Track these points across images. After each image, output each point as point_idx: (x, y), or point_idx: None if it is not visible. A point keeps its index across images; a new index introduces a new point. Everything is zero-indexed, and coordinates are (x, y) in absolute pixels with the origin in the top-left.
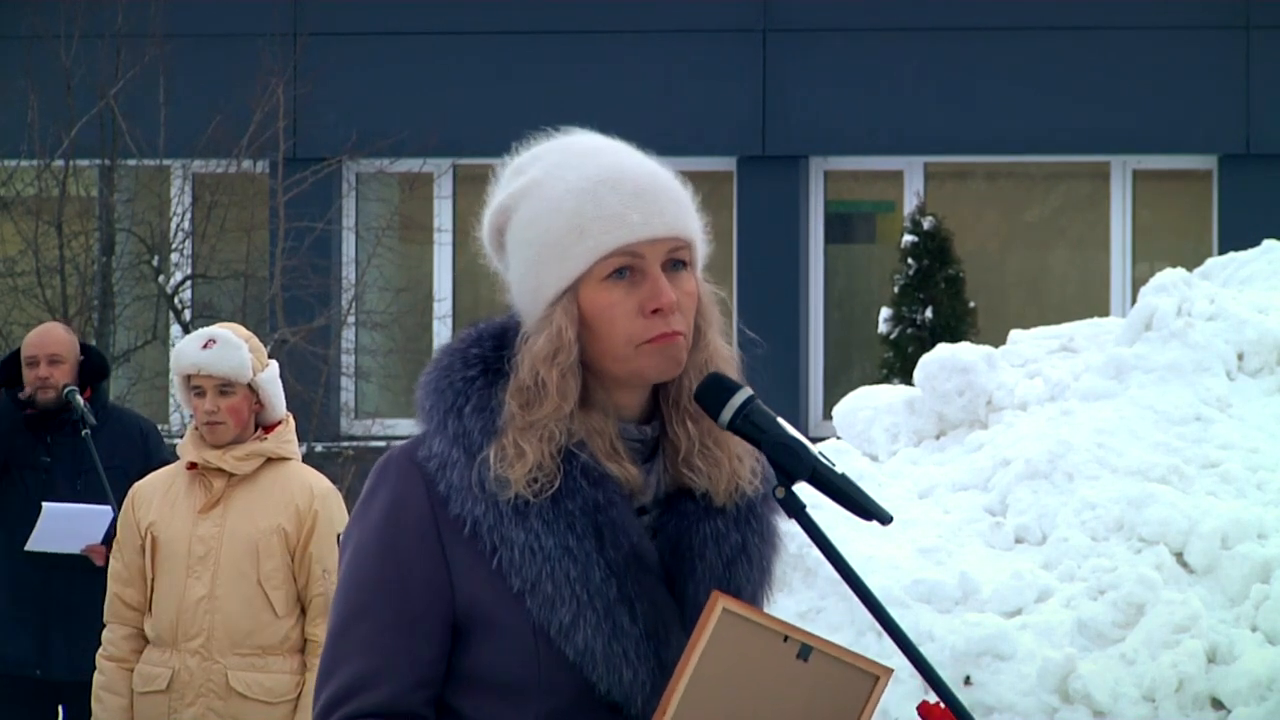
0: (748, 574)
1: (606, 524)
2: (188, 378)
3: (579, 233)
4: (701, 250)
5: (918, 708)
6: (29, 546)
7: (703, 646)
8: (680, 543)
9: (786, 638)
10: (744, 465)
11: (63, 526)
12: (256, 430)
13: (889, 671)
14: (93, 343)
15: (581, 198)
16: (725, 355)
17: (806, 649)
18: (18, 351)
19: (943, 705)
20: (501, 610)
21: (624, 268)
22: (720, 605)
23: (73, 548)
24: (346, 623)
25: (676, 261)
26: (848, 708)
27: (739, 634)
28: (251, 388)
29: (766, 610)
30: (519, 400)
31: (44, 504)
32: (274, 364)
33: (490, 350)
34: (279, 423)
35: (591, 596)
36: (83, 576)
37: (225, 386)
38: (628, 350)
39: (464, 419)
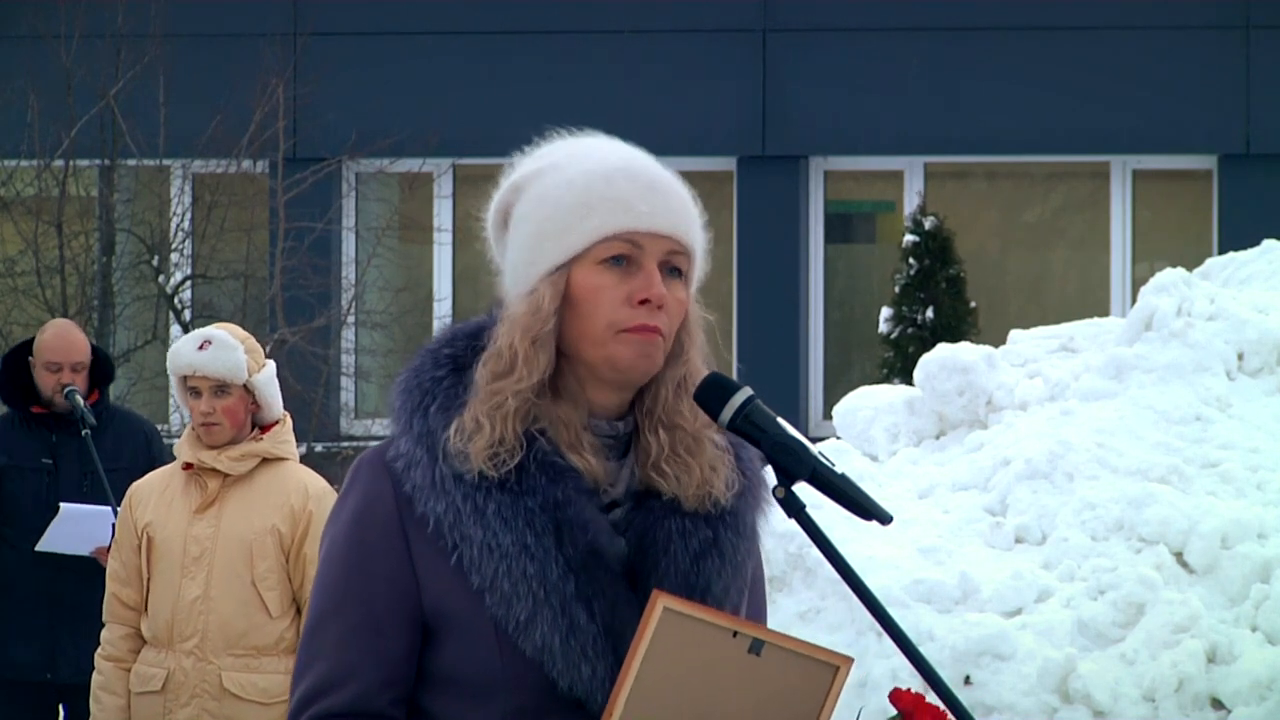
0: (719, 569)
1: (564, 521)
2: (184, 378)
3: (586, 210)
4: (699, 267)
5: (889, 695)
6: (40, 546)
7: (645, 646)
8: (645, 539)
9: (736, 633)
10: (718, 475)
11: (75, 528)
12: (253, 430)
13: (849, 661)
14: (93, 343)
15: (594, 179)
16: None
17: (758, 643)
18: (16, 349)
19: (913, 691)
20: (464, 608)
21: (621, 256)
22: (660, 604)
23: (83, 549)
24: (317, 623)
25: (674, 269)
26: (809, 700)
27: (684, 631)
28: (248, 388)
29: (765, 609)
30: (491, 368)
31: (61, 505)
32: (270, 364)
33: (463, 349)
34: (276, 423)
35: (548, 594)
36: (88, 578)
37: (221, 387)
38: (606, 334)
39: (429, 418)
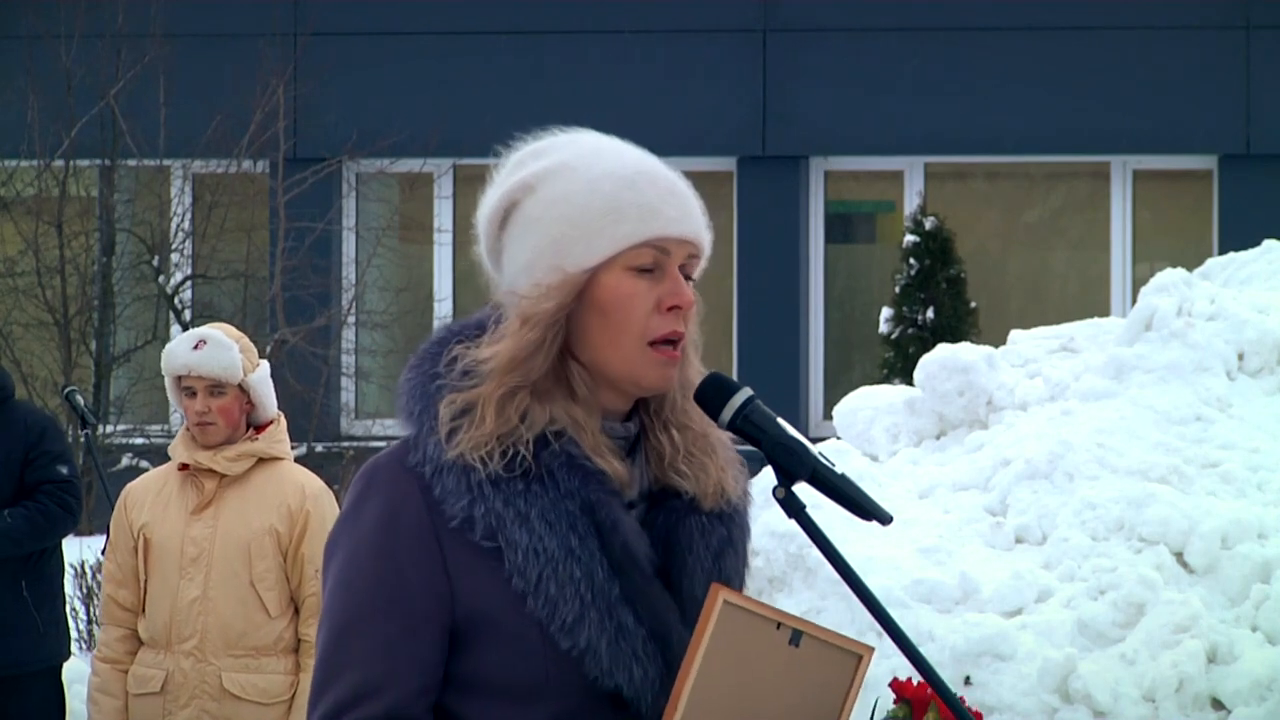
0: (734, 565)
1: (604, 523)
2: (179, 378)
3: (615, 215)
4: (702, 267)
5: (890, 684)
6: None
7: (707, 640)
8: (671, 538)
9: (779, 625)
10: (728, 474)
11: None
12: (248, 430)
13: (871, 650)
14: (92, 343)
15: (620, 183)
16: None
17: (797, 634)
18: None
19: (915, 682)
20: (506, 612)
21: (649, 263)
22: (721, 598)
23: None
24: (343, 632)
25: (686, 270)
26: (835, 688)
27: (739, 625)
28: (242, 388)
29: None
30: (493, 346)
31: None
32: (265, 364)
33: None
34: (270, 423)
35: (595, 596)
36: None
37: (216, 387)
38: (636, 347)
39: None
